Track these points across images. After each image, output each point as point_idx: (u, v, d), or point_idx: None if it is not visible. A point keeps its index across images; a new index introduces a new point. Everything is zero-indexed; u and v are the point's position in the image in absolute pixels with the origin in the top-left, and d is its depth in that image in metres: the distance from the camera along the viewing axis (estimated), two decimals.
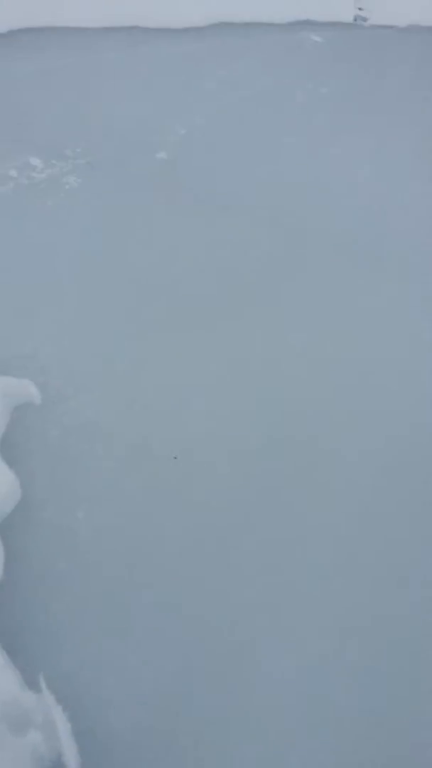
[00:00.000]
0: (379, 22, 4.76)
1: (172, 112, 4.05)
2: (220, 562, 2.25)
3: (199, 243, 3.40)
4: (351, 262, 3.35)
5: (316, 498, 2.48)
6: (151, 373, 2.83)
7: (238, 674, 1.93)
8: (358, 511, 2.44)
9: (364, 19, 4.63)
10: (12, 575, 2.06)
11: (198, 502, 2.48)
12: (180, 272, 3.26)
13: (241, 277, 3.28)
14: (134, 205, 3.52)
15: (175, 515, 2.41)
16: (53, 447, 2.53)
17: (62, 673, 1.87)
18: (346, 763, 1.77)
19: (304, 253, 3.40)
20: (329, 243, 3.45)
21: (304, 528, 2.38)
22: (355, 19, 4.65)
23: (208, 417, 2.71)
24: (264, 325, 3.06)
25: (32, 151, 3.68)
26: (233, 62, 4.36)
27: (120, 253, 3.30)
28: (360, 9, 4.73)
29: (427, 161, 3.94)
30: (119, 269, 3.22)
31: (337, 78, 4.28)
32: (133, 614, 2.06)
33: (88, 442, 2.55)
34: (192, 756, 1.76)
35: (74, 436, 2.57)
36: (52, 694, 1.77)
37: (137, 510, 2.41)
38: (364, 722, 1.84)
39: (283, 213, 3.59)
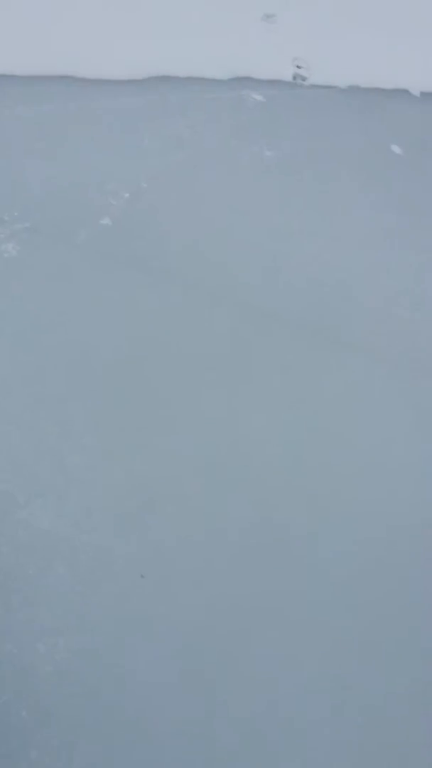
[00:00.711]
0: (318, 82, 4.76)
1: (114, 172, 3.91)
2: (202, 703, 2.08)
3: (149, 318, 3.27)
4: (312, 340, 3.28)
5: (303, 611, 2.36)
6: (111, 470, 2.65)
7: None
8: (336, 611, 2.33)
9: (303, 78, 4.63)
10: None
11: (171, 625, 2.30)
12: (131, 352, 3.11)
13: (197, 356, 3.15)
14: (79, 276, 3.34)
15: (147, 646, 2.23)
16: (6, 567, 2.29)
17: None
18: None
19: (262, 331, 3.31)
20: (287, 319, 3.36)
21: (292, 653, 2.25)
22: (294, 78, 4.64)
23: (176, 521, 2.55)
24: (226, 411, 2.94)
25: None
26: (174, 119, 4.25)
27: (66, 330, 3.12)
28: (299, 67, 4.70)
29: (383, 228, 3.95)
30: (65, 349, 3.03)
31: (282, 140, 4.24)
32: None
33: (45, 560, 2.33)
34: None
35: (30, 552, 2.34)
36: None
37: (105, 641, 2.21)
38: None
39: (236, 285, 3.51)
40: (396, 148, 4.56)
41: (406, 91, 5.18)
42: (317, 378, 3.21)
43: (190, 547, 2.48)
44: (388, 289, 3.66)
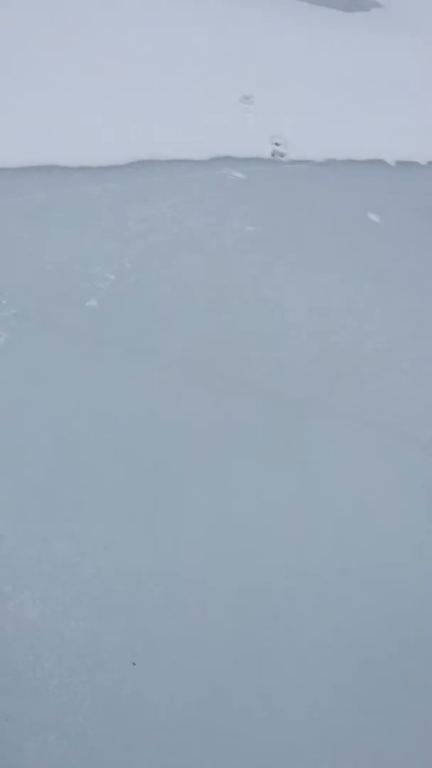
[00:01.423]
0: (296, 157, 4.91)
1: (99, 255, 4.01)
2: None
3: (137, 400, 3.30)
4: (301, 410, 3.31)
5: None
6: (98, 557, 2.64)
7: None
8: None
9: (282, 155, 4.78)
10: None
11: (164, 715, 2.26)
12: (122, 435, 3.14)
13: (185, 435, 3.18)
14: (67, 361, 3.40)
15: (140, 738, 2.18)
16: None
17: None
18: None
19: (250, 404, 3.34)
20: (274, 391, 3.40)
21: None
22: (273, 155, 4.80)
23: (165, 607, 2.52)
24: (215, 493, 2.94)
25: None
26: (157, 201, 4.39)
27: (52, 417, 3.15)
28: (276, 144, 4.88)
29: (365, 295, 4.03)
30: (52, 435, 3.06)
31: (263, 215, 4.36)
32: None
33: (33, 653, 2.30)
34: None
35: (17, 645, 2.31)
36: None
37: (96, 738, 2.17)
38: None
39: (222, 360, 3.55)
40: (374, 217, 4.69)
41: (381, 161, 5.34)
42: (310, 449, 3.23)
43: (180, 633, 2.45)
44: (373, 356, 3.71)
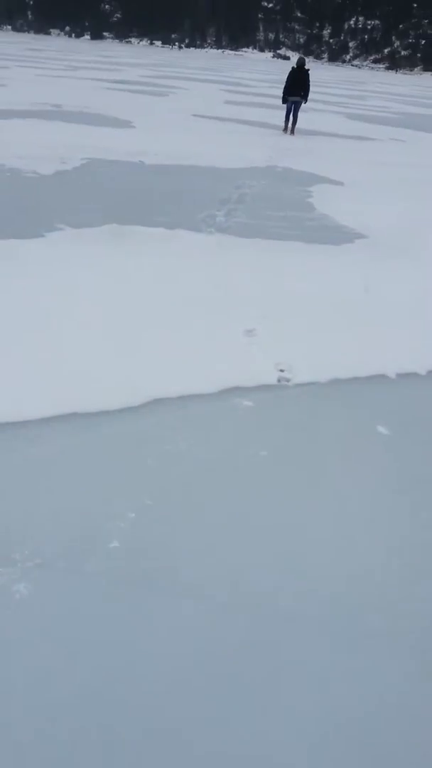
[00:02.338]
0: (302, 381, 5.20)
1: (119, 495, 4.14)
2: None
3: (168, 638, 3.23)
4: (334, 639, 3.21)
5: None
6: None
7: None
8: None
9: (287, 380, 5.07)
10: None
11: None
12: (151, 684, 3.04)
13: (218, 671, 3.08)
14: (89, 610, 3.39)
15: None
16: None
17: None
18: None
19: (280, 634, 3.25)
20: (305, 618, 3.32)
21: None
22: (279, 381, 5.10)
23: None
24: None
25: None
26: (172, 436, 4.61)
27: (83, 666, 3.07)
28: (282, 371, 5.19)
29: (384, 508, 4.05)
30: (82, 691, 2.97)
31: (274, 439, 4.54)
32: None
33: None
34: None
35: None
36: None
37: None
38: None
39: (249, 592, 3.52)
40: (382, 429, 4.85)
41: (383, 375, 5.63)
42: (345, 680, 3.09)
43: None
44: (403, 572, 3.66)
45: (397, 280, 8.15)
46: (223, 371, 5.51)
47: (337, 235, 9.98)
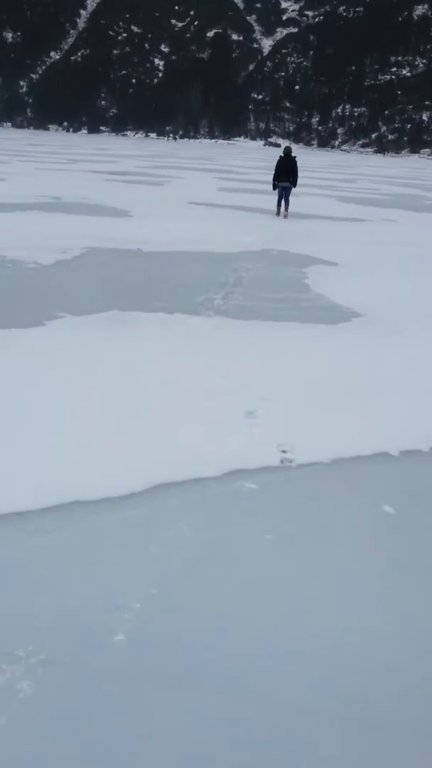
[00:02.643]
0: (305, 461, 5.21)
1: (123, 584, 4.10)
2: None
3: (174, 738, 3.15)
4: (355, 734, 3.11)
5: None
6: None
7: None
8: None
9: (290, 461, 5.08)
10: None
11: None
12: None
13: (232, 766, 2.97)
14: (98, 704, 3.29)
15: None
16: None
17: None
18: None
19: (295, 729, 3.16)
20: (315, 708, 3.23)
21: None
22: (282, 462, 5.11)
23: None
24: None
25: None
26: (175, 521, 4.59)
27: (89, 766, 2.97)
28: (284, 452, 5.21)
29: (392, 591, 4.00)
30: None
31: (279, 521, 4.53)
32: None
33: None
34: None
35: None
36: None
37: None
38: None
39: (259, 682, 3.43)
40: (388, 508, 4.82)
41: (386, 453, 5.64)
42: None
43: None
44: (422, 656, 3.58)
45: (394, 358, 8.26)
46: (225, 454, 5.52)
47: (333, 314, 10.17)
